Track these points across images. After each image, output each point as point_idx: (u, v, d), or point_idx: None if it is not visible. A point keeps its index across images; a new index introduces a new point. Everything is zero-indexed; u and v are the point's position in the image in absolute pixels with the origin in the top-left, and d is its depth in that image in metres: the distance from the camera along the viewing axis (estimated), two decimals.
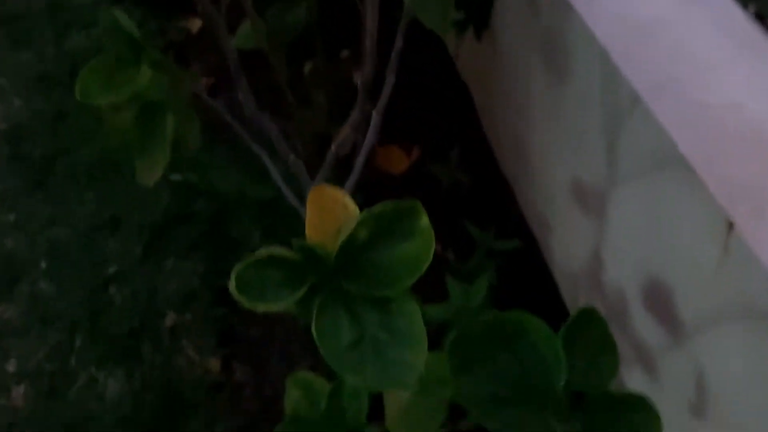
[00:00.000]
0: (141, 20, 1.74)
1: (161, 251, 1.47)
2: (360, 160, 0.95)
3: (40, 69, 1.77)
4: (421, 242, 0.44)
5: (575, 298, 1.14)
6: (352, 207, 0.46)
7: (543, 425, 0.46)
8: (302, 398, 0.85)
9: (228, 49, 0.89)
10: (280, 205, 1.14)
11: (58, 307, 1.41)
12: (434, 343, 0.69)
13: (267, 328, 1.37)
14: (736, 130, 0.72)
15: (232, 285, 0.41)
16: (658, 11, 0.85)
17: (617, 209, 0.92)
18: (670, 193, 0.76)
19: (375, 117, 0.93)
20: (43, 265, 1.47)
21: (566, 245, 1.14)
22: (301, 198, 0.98)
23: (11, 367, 1.33)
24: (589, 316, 0.48)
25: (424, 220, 0.45)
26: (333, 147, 0.98)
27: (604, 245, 0.98)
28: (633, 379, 0.94)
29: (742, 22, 0.82)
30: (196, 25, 1.75)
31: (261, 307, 0.41)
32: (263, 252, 0.42)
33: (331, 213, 0.45)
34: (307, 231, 0.46)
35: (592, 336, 0.48)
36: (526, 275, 1.25)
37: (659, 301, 0.84)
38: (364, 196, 0.84)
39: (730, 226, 0.67)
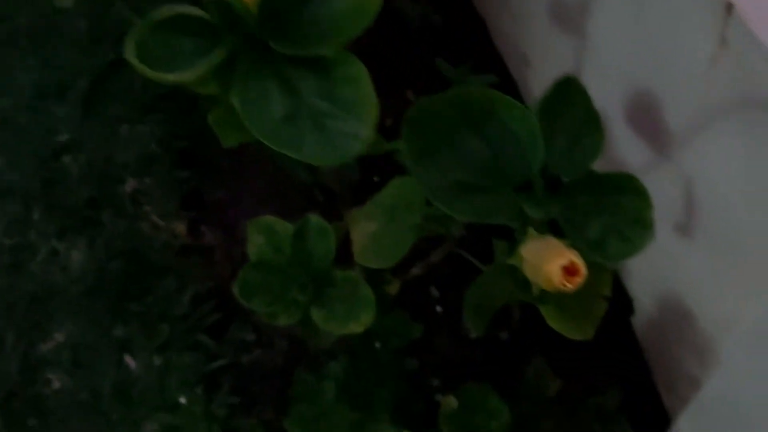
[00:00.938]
0: None
1: (116, 116, 1.37)
2: None
3: None
4: None
5: None
6: None
7: (517, 212, 0.39)
8: (265, 244, 0.79)
9: None
10: None
11: (11, 181, 1.33)
12: (402, 170, 0.62)
13: (235, 190, 1.30)
14: None
15: (130, 53, 0.33)
16: None
17: (600, 21, 0.83)
18: None
19: None
20: None
21: (544, 77, 1.07)
22: None
23: None
24: (569, 87, 0.41)
25: None
26: None
27: (584, 66, 0.90)
28: None
29: None
30: None
31: (170, 78, 0.34)
32: (167, 11, 0.34)
33: None
34: None
35: (572, 111, 0.41)
36: None
37: (645, 115, 0.77)
38: None
39: (729, 9, 0.59)
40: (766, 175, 0.60)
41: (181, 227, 1.26)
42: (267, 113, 0.35)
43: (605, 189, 0.41)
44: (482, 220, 0.39)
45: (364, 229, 0.66)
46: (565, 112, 0.41)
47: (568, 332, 0.45)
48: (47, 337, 1.19)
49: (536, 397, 0.93)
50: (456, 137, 0.40)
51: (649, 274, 0.92)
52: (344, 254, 0.76)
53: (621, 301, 1.02)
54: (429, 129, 0.39)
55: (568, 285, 0.36)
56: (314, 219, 0.73)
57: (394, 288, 0.88)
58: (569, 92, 0.41)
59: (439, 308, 1.10)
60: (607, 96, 0.86)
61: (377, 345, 0.84)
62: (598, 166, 0.43)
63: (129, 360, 1.18)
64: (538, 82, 1.10)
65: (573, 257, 0.36)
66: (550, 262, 0.36)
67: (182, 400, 0.92)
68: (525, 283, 0.39)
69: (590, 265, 0.43)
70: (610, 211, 0.41)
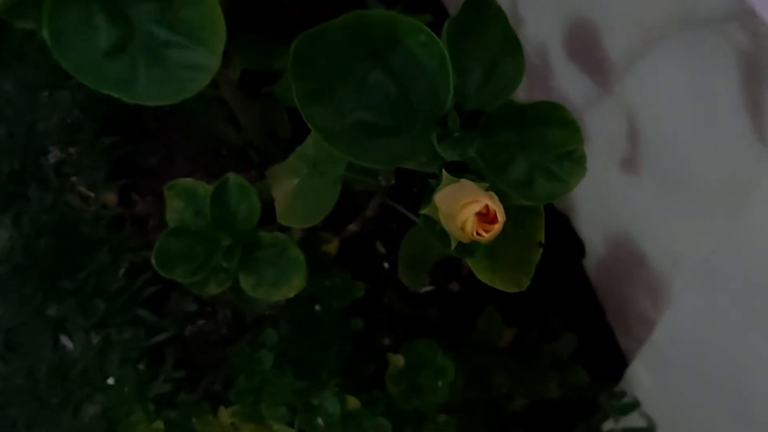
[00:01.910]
0: None
1: (33, 82, 1.28)
2: None
3: None
4: None
5: None
6: None
7: (427, 153, 0.34)
8: (185, 208, 0.73)
9: None
10: None
11: None
12: None
13: (166, 155, 1.23)
14: None
15: None
16: None
17: None
18: None
19: None
20: None
21: None
22: None
23: None
24: (480, 5, 0.35)
25: None
26: None
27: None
28: None
29: None
30: None
31: None
32: None
33: None
34: None
35: (486, 33, 0.36)
36: None
37: (585, 46, 0.73)
38: None
39: None
40: (711, 101, 0.56)
41: (111, 197, 1.19)
42: (88, 45, 0.29)
43: (529, 121, 0.36)
44: (390, 165, 0.34)
45: (286, 185, 0.61)
46: (479, 35, 0.35)
47: (500, 285, 0.40)
48: None
49: (488, 349, 0.90)
50: (354, 71, 0.34)
51: (598, 214, 0.89)
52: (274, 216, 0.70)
53: (572, 244, 0.98)
54: (321, 62, 0.34)
55: (484, 234, 0.32)
56: (233, 178, 0.67)
57: (332, 247, 0.83)
58: (481, 11, 0.35)
59: (386, 264, 1.06)
60: (545, 29, 0.81)
61: (317, 308, 0.79)
62: None
63: (65, 340, 1.12)
64: None
65: (488, 201, 0.31)
66: (463, 210, 0.31)
67: (110, 381, 0.86)
68: (443, 235, 0.34)
69: (519, 209, 0.39)
70: (535, 146, 0.36)
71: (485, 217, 0.32)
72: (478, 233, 0.32)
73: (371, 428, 0.70)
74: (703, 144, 0.59)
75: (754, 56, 0.50)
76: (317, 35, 0.33)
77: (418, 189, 0.83)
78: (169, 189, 0.73)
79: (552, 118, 0.36)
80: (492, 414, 0.91)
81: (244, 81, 1.01)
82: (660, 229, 0.75)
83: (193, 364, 1.08)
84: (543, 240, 0.41)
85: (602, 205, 0.86)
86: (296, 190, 0.60)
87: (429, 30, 0.35)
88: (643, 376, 0.83)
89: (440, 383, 0.67)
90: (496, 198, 0.32)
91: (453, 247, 0.34)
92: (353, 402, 0.69)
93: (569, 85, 0.78)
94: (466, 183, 0.33)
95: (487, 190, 0.33)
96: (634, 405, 0.83)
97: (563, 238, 0.98)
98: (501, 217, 0.31)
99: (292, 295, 0.67)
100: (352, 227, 0.78)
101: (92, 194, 1.20)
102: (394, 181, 0.58)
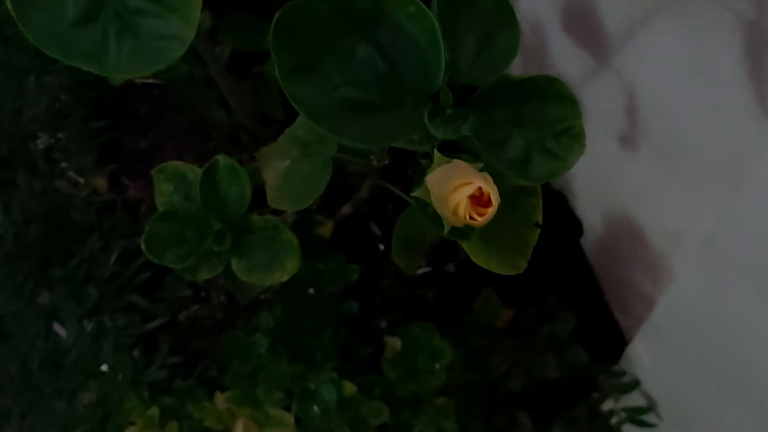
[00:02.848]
0: None
1: (19, 66, 1.26)
2: None
3: None
4: None
5: None
6: None
7: (418, 131, 0.33)
8: (174, 192, 0.71)
9: None
10: None
11: None
12: None
13: (156, 138, 1.21)
14: None
15: None
16: None
17: None
18: None
19: None
20: None
21: None
22: None
23: None
24: None
25: None
26: None
27: None
28: None
29: None
30: None
31: None
32: None
33: None
34: None
35: (479, 5, 0.34)
36: None
37: (582, 19, 0.71)
38: None
39: None
40: (712, 73, 0.54)
41: (101, 182, 1.17)
42: (54, 14, 0.27)
43: (525, 96, 0.34)
44: (379, 144, 0.32)
45: (276, 167, 0.59)
46: (471, 6, 0.34)
47: (496, 268, 0.39)
48: None
49: (486, 329, 0.89)
50: (340, 45, 0.33)
51: (596, 192, 0.87)
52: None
53: (569, 223, 0.97)
54: (305, 36, 0.32)
55: (477, 218, 0.30)
56: (223, 160, 0.66)
57: (326, 229, 0.81)
58: None
59: (382, 246, 1.04)
60: (541, 3, 0.79)
61: (311, 291, 0.77)
62: None
63: (58, 328, 1.10)
64: None
65: (482, 183, 0.30)
66: (455, 193, 0.29)
67: (104, 368, 0.85)
68: (436, 218, 0.33)
69: (515, 188, 0.37)
70: (532, 123, 0.34)
71: (479, 200, 0.30)
72: (471, 217, 0.30)
73: (368, 413, 0.69)
74: (704, 117, 0.58)
75: (757, 25, 0.48)
76: (300, 6, 0.32)
77: (412, 169, 0.81)
78: (157, 172, 0.71)
79: (549, 92, 0.34)
80: (490, 395, 0.91)
81: (234, 61, 0.99)
82: (659, 206, 0.73)
83: (188, 349, 1.07)
84: (540, 221, 0.39)
85: (600, 182, 0.84)
86: (286, 172, 0.59)
87: (418, 1, 0.33)
88: (642, 355, 0.82)
89: (437, 366, 0.66)
90: (490, 179, 0.30)
91: (446, 231, 0.33)
92: (350, 388, 0.68)
93: (566, 60, 0.76)
94: (458, 163, 0.31)
95: (481, 170, 0.32)
96: (634, 384, 0.82)
97: (560, 217, 0.96)
98: (495, 199, 0.30)
99: (285, 279, 0.66)
100: (346, 209, 0.77)
101: (82, 180, 1.18)
102: (387, 162, 0.56)
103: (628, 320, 0.91)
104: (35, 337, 1.10)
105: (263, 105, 1.00)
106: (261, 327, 0.74)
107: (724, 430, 0.71)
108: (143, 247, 0.66)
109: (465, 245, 0.38)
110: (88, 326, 1.09)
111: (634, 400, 0.85)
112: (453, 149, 0.36)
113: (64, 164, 1.20)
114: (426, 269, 1.00)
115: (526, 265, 0.40)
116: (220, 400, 0.81)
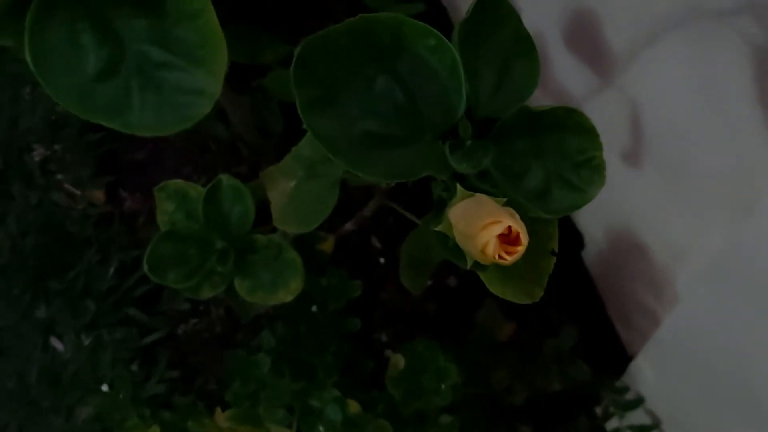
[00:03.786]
0: None
1: (14, 76, 1.25)
2: None
3: None
4: None
5: None
6: None
7: (438, 164, 0.32)
8: (177, 211, 0.71)
9: None
10: None
11: None
12: None
13: (153, 149, 1.20)
14: None
15: None
16: None
17: None
18: None
19: None
20: None
21: None
22: None
23: None
24: (491, 5, 0.33)
25: None
26: None
27: None
28: None
29: None
30: None
31: None
32: None
33: None
34: None
35: (498, 34, 0.34)
36: None
37: (585, 35, 0.70)
38: None
39: None
40: (721, 94, 0.54)
41: (98, 194, 1.16)
42: (75, 68, 0.26)
43: (545, 128, 0.34)
44: (400, 178, 0.32)
45: (282, 188, 0.59)
46: (491, 37, 0.33)
47: (512, 296, 0.38)
48: None
49: (488, 343, 0.88)
50: (360, 78, 0.32)
51: (598, 206, 0.87)
52: (269, 216, 0.68)
53: (571, 236, 0.97)
54: (326, 69, 0.32)
55: (507, 258, 0.30)
56: (226, 179, 0.65)
57: (328, 245, 0.81)
58: (493, 11, 0.33)
59: (382, 259, 1.04)
60: (543, 18, 0.79)
61: (314, 308, 0.77)
62: (536, 98, 0.37)
63: (55, 342, 1.09)
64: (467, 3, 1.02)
65: (511, 222, 0.29)
66: (483, 231, 0.29)
67: (104, 387, 0.84)
68: (457, 252, 0.33)
69: (533, 217, 0.37)
70: (552, 154, 0.34)
71: (506, 237, 0.30)
72: (500, 256, 0.30)
73: (372, 431, 0.69)
74: (712, 138, 0.58)
75: (767, 49, 0.48)
76: (321, 40, 0.31)
77: (413, 186, 0.81)
78: (159, 191, 0.70)
79: (569, 123, 0.34)
80: (493, 409, 0.90)
81: (233, 74, 0.98)
82: (663, 222, 0.73)
83: (187, 363, 1.06)
84: (556, 248, 0.39)
85: (602, 197, 0.84)
86: (292, 193, 0.58)
87: (439, 33, 0.33)
88: (647, 372, 0.82)
89: (443, 386, 0.65)
90: (517, 216, 0.30)
91: (469, 266, 0.32)
92: (354, 406, 0.68)
93: (569, 76, 0.76)
94: (483, 199, 0.31)
95: (504, 204, 0.31)
96: (639, 401, 0.82)
97: (561, 230, 0.96)
98: (525, 238, 0.29)
99: (289, 299, 0.65)
100: (349, 226, 0.76)
101: (79, 192, 1.17)
102: (394, 184, 0.56)
103: (630, 334, 0.91)
104: (32, 351, 1.09)
105: (262, 118, 1.00)
106: (263, 346, 0.74)
107: None
108: (146, 267, 0.65)
109: (481, 275, 0.38)
110: (86, 340, 1.08)
111: (638, 417, 0.85)
112: (468, 177, 0.36)
113: (60, 176, 1.19)
114: (427, 283, 1.00)
115: (542, 293, 0.40)
116: (221, 417, 0.80)
